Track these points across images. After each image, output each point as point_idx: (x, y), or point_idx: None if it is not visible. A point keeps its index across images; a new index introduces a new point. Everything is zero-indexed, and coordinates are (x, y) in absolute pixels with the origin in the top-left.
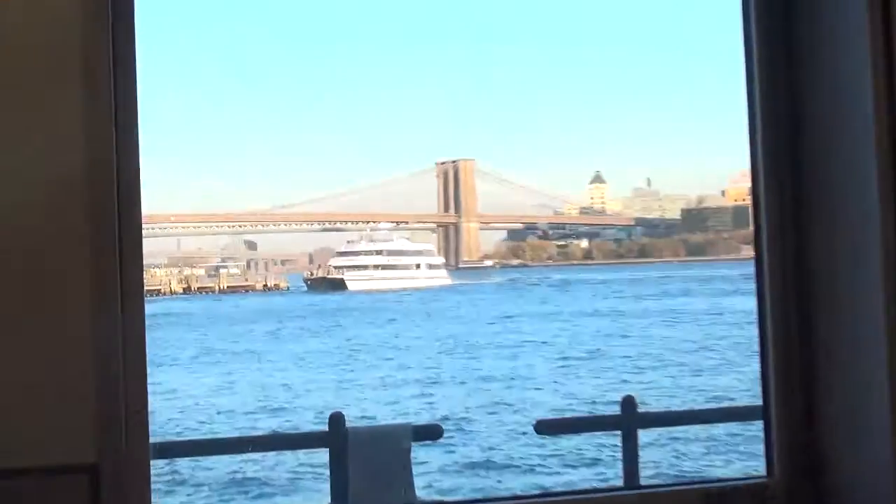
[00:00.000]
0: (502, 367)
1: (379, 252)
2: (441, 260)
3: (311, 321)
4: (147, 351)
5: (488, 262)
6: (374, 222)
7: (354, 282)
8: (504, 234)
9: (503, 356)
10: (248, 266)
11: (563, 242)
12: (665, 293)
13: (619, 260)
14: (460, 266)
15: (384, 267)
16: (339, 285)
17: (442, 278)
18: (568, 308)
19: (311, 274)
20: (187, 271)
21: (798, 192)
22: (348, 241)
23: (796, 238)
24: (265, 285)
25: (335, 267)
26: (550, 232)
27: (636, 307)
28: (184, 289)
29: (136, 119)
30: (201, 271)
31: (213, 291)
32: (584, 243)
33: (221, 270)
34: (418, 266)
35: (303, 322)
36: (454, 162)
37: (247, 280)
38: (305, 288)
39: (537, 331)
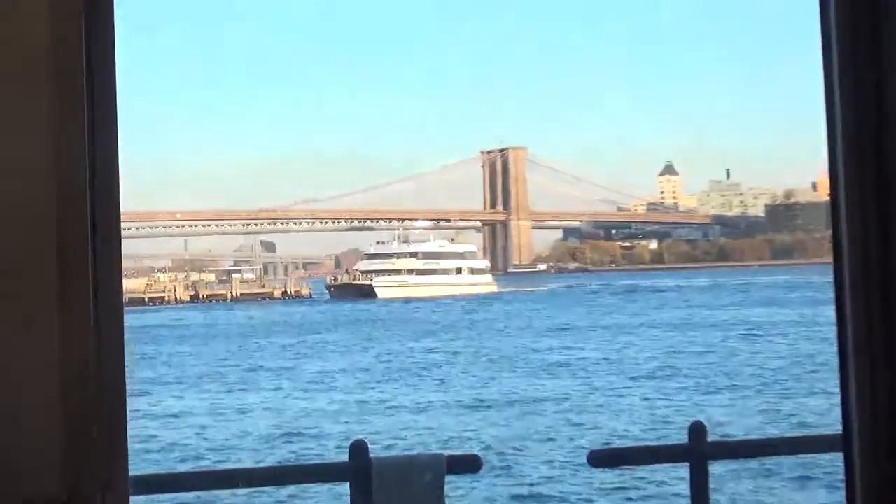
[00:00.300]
0: (556, 388)
1: (413, 254)
2: (486, 264)
3: (336, 334)
4: (143, 369)
5: (542, 266)
6: (408, 220)
7: (385, 288)
8: (559, 233)
9: (558, 374)
10: (265, 270)
11: (628, 243)
12: (747, 302)
13: (694, 264)
14: (510, 270)
15: (419, 272)
16: (366, 292)
17: (487, 284)
18: (634, 319)
19: (335, 280)
20: (195, 276)
21: (883, 191)
22: (378, 242)
23: (881, 243)
24: (284, 292)
25: (362, 272)
26: (614, 231)
27: (713, 318)
28: (191, 296)
29: (115, 116)
30: (211, 276)
31: (224, 299)
32: (653, 244)
33: (234, 275)
34: (459, 270)
35: (326, 335)
36: (502, 151)
37: (263, 286)
38: (328, 296)
39: (599, 345)
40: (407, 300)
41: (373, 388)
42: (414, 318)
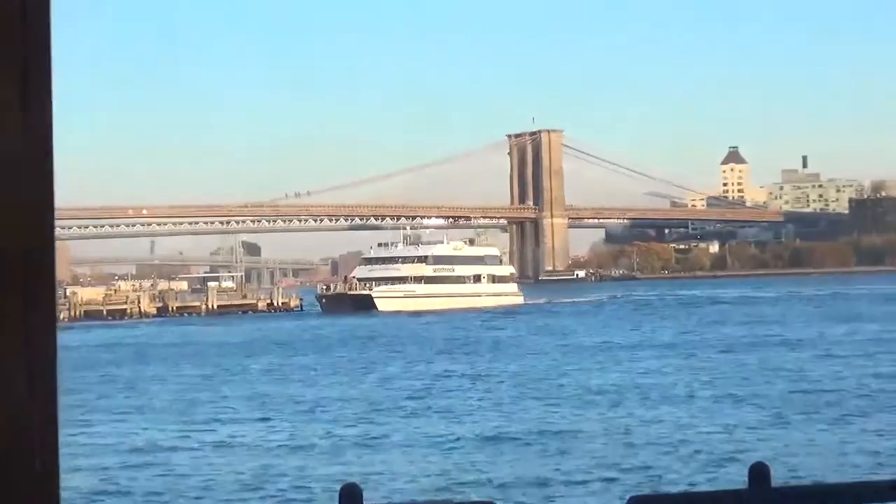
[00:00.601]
0: (595, 419)
1: (423, 259)
2: (511, 270)
3: (328, 355)
4: (97, 395)
5: (580, 273)
6: (420, 217)
7: (387, 299)
8: (601, 233)
9: (597, 403)
10: (248, 277)
11: (684, 245)
12: (829, 315)
13: (764, 270)
14: (542, 278)
15: (429, 280)
16: (365, 304)
17: (511, 295)
18: (691, 335)
19: (327, 288)
20: (164, 285)
21: None
22: (380, 244)
23: None
24: (270, 304)
25: (360, 279)
26: (667, 231)
27: (788, 334)
28: (159, 309)
29: (50, 103)
30: (183, 284)
31: (198, 312)
32: (714, 247)
33: (211, 284)
34: (479, 278)
35: (315, 357)
36: (533, 134)
37: (245, 297)
38: (320, 308)
39: (650, 368)
40: (415, 314)
41: (368, 421)
42: (420, 335)
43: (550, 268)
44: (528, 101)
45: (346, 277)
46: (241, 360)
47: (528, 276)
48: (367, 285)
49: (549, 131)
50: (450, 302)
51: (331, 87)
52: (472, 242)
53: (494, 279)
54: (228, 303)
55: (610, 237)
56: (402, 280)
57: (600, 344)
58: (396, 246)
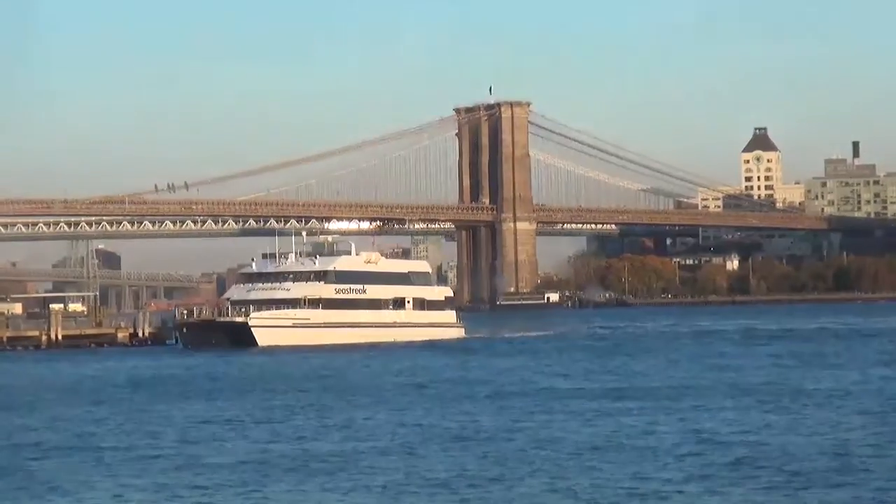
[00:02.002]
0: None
1: (321, 275)
2: (445, 292)
3: (180, 406)
4: None
5: (552, 297)
6: (336, 219)
7: (270, 330)
8: (582, 242)
9: (562, 474)
10: (105, 299)
11: (692, 260)
12: (886, 357)
13: (797, 295)
14: (501, 302)
15: (330, 304)
16: (240, 336)
17: (447, 326)
18: (696, 380)
19: (187, 314)
20: None
21: None
22: (264, 256)
23: None
24: (133, 335)
25: (235, 302)
26: (669, 241)
27: (829, 382)
28: None
29: None
30: (17, 307)
31: (38, 345)
32: (733, 262)
33: (54, 306)
34: (401, 303)
35: (159, 409)
36: (490, 108)
37: (100, 324)
38: (183, 340)
39: (637, 427)
40: (307, 351)
41: None
42: (313, 377)
43: (513, 289)
44: (484, 64)
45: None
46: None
47: (483, 301)
48: (242, 310)
49: (511, 104)
50: (359, 335)
51: (216, 46)
52: (405, 255)
53: (424, 304)
54: (78, 332)
55: (593, 247)
56: (291, 304)
57: (572, 388)
58: (287, 259)
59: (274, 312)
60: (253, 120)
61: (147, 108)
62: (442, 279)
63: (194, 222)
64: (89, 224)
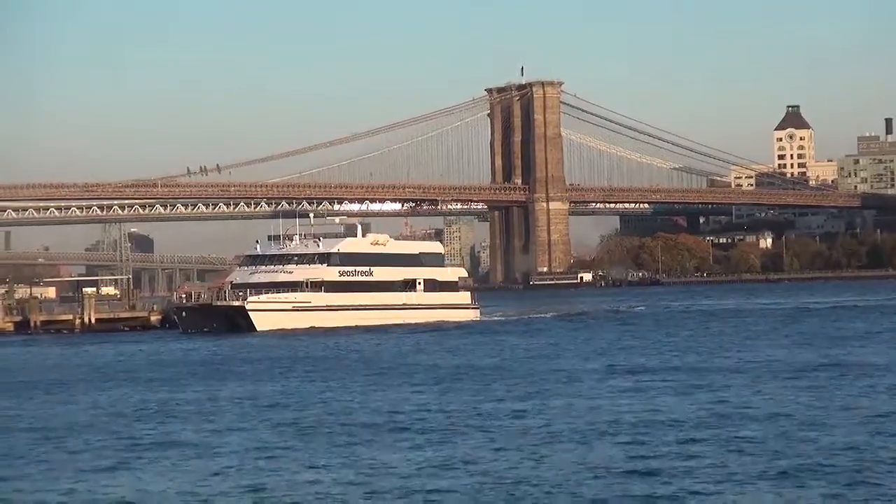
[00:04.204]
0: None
1: (325, 258)
2: (459, 273)
3: (155, 393)
4: None
5: (585, 276)
6: (369, 201)
7: (268, 314)
8: (615, 221)
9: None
10: (138, 281)
11: (725, 239)
12: None
13: (831, 273)
14: (534, 283)
15: (333, 286)
16: (236, 319)
17: (460, 308)
18: (729, 359)
19: (187, 298)
20: (23, 291)
21: None
22: (271, 238)
23: None
24: (166, 318)
25: (237, 286)
26: (702, 220)
27: (860, 367)
28: (17, 324)
29: None
30: (51, 291)
31: (71, 328)
32: (767, 240)
33: (87, 290)
34: (411, 285)
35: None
36: (522, 88)
37: (133, 307)
38: (179, 325)
39: (664, 407)
40: (306, 336)
41: None
42: (318, 362)
43: (545, 269)
44: (517, 44)
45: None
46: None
47: (517, 281)
48: (242, 293)
49: (542, 84)
50: (365, 318)
51: (248, 28)
52: (438, 235)
53: (436, 286)
54: (111, 315)
55: (626, 227)
56: (294, 287)
57: (606, 367)
58: (293, 241)
59: (273, 296)
60: (285, 103)
61: (179, 92)
62: (475, 260)
63: (227, 205)
64: (122, 208)
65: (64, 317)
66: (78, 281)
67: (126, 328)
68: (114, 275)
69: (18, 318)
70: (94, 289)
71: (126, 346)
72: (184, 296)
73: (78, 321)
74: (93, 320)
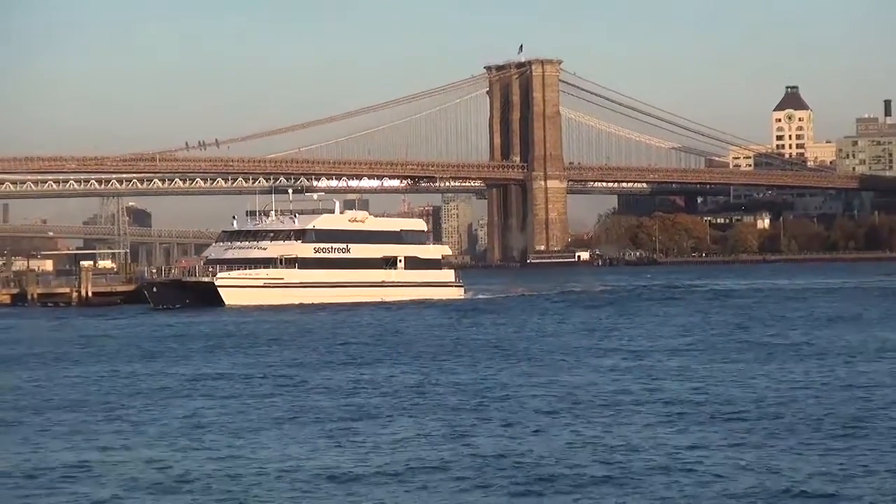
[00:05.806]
0: None
1: (300, 234)
2: (442, 250)
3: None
4: None
5: (582, 255)
6: (366, 177)
7: (238, 290)
8: (613, 201)
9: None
10: (135, 255)
11: (723, 219)
12: None
13: (828, 254)
14: (531, 261)
15: (307, 263)
16: (206, 295)
17: (441, 286)
18: (722, 341)
19: (156, 273)
20: (20, 264)
21: None
22: (248, 213)
23: None
24: None
25: (210, 262)
26: (700, 200)
27: (855, 353)
28: (13, 296)
29: None
30: (48, 264)
31: (68, 302)
32: (764, 221)
33: (85, 263)
34: (391, 262)
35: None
36: (521, 66)
37: (129, 280)
38: (150, 300)
39: (661, 391)
40: (277, 310)
41: None
42: (282, 337)
43: (543, 248)
44: (515, 22)
45: (203, 260)
46: None
47: (514, 259)
48: (212, 269)
49: (542, 62)
50: (339, 295)
51: (248, 6)
52: (436, 213)
53: (419, 263)
54: (108, 289)
55: (624, 207)
56: (267, 263)
57: (599, 354)
58: (269, 218)
59: (243, 272)
60: (284, 78)
61: (178, 66)
62: (472, 237)
63: (225, 180)
64: (120, 182)
65: (61, 290)
66: (75, 254)
67: (121, 302)
68: (111, 248)
69: (16, 291)
70: (92, 262)
71: (86, 320)
72: (154, 271)
73: (75, 294)
74: (90, 293)
